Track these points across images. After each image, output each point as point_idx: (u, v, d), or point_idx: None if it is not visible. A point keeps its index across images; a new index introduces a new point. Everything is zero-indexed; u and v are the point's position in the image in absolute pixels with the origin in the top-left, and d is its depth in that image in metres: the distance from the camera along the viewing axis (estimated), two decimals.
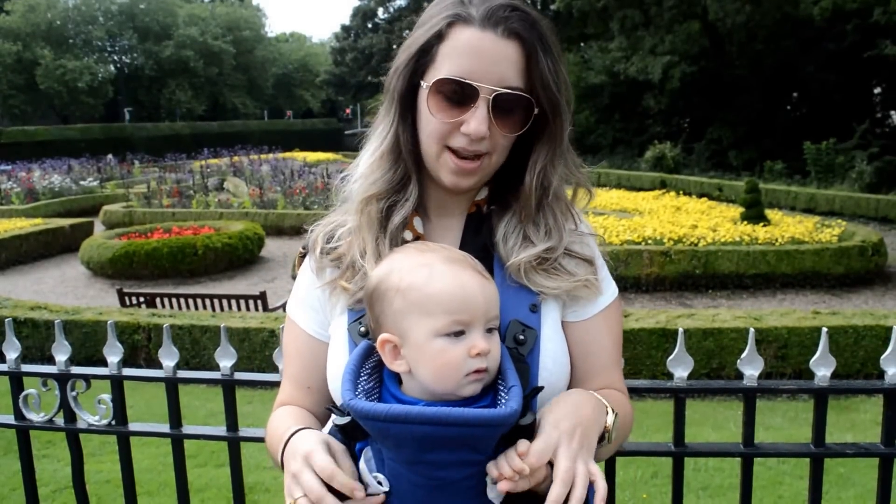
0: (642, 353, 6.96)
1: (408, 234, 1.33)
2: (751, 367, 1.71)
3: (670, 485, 1.81)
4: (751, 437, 1.73)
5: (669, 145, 29.78)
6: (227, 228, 15.43)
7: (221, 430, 1.97)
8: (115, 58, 67.64)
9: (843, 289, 11.78)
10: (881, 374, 1.71)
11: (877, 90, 29.72)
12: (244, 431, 1.96)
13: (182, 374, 1.97)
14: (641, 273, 11.74)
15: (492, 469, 1.09)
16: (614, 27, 31.59)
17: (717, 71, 30.43)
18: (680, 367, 1.73)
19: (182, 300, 8.80)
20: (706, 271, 11.76)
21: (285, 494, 1.15)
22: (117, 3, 63.94)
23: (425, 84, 1.25)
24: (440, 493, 1.12)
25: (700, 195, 21.11)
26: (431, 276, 1.17)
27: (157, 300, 8.97)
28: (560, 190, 1.35)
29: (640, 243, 12.27)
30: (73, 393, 2.01)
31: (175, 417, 1.98)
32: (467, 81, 1.21)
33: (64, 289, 13.53)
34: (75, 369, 2.01)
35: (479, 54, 1.21)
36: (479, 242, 1.35)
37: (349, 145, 57.31)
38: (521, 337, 1.27)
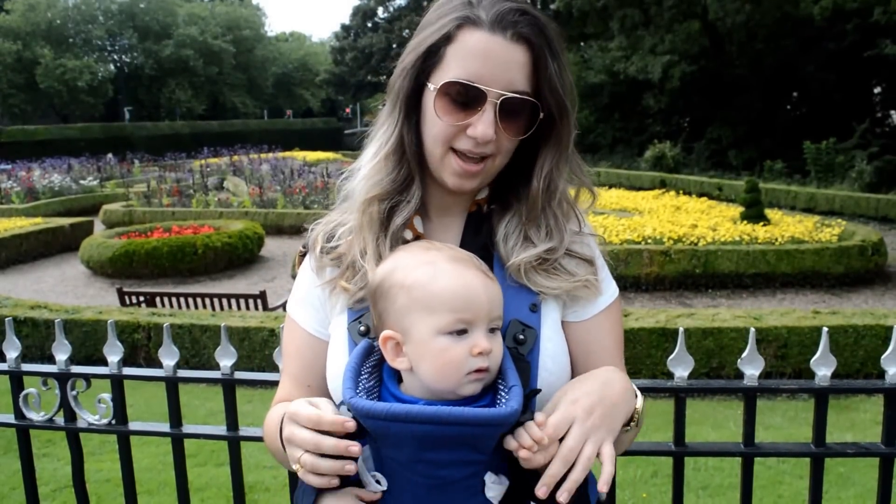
0: (642, 353, 6.96)
1: (408, 234, 1.33)
2: (751, 367, 1.72)
3: (670, 484, 1.81)
4: (751, 436, 1.73)
5: (669, 145, 29.78)
6: (227, 228, 15.42)
7: (221, 430, 1.97)
8: (115, 57, 67.69)
9: (843, 288, 11.78)
10: (881, 374, 1.71)
11: (877, 90, 29.71)
12: (244, 431, 1.96)
13: (182, 373, 1.97)
14: (641, 272, 11.74)
15: (510, 441, 1.09)
16: (614, 26, 31.58)
17: (717, 70, 30.42)
18: (680, 367, 1.73)
19: (182, 299, 8.79)
20: (706, 271, 11.76)
21: (291, 463, 1.15)
22: (117, 3, 63.95)
23: (432, 86, 1.24)
24: (439, 493, 1.12)
25: (700, 195, 21.10)
26: (436, 274, 1.17)
27: (157, 299, 8.97)
28: (562, 191, 1.36)
29: (639, 243, 12.27)
30: (74, 392, 2.01)
31: (175, 417, 1.98)
32: (475, 85, 1.21)
33: (64, 288, 13.53)
34: (75, 368, 2.01)
35: (487, 58, 1.20)
36: (479, 242, 1.35)
37: (349, 145, 57.33)
38: (521, 336, 1.27)
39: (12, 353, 2.04)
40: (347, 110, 75.83)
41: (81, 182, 27.02)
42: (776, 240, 12.34)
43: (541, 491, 1.07)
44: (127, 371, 1.99)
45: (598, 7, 30.91)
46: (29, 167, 32.23)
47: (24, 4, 56.39)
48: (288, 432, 1.14)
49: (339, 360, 1.30)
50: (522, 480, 1.18)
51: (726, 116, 30.13)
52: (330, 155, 42.79)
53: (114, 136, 52.21)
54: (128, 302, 8.98)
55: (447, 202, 1.38)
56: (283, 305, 6.42)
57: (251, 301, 8.61)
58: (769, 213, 14.71)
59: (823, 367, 1.70)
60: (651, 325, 7.05)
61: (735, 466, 4.29)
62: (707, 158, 30.32)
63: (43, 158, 38.27)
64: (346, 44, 65.83)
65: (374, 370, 1.23)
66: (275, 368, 1.82)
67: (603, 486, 1.09)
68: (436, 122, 1.25)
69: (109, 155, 40.42)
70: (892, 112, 29.31)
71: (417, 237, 1.34)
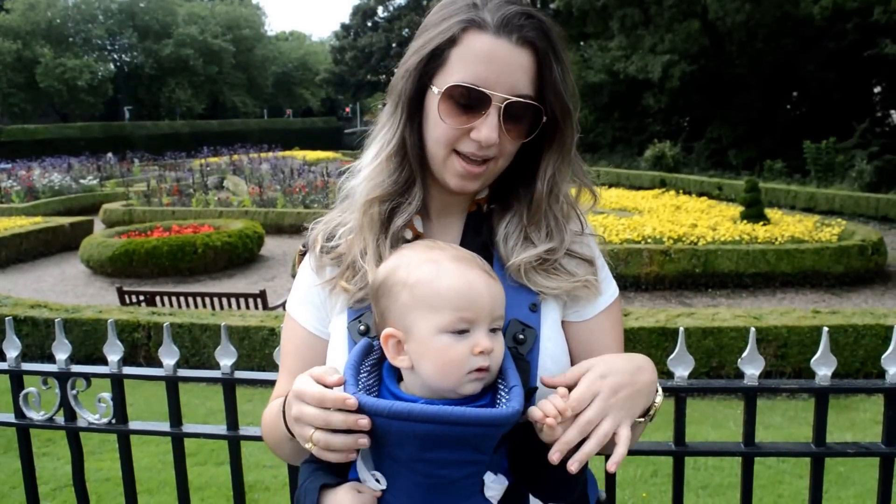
0: (642, 352, 6.94)
1: (408, 233, 1.33)
2: (751, 367, 1.72)
3: (670, 483, 1.81)
4: (751, 436, 1.74)
5: (669, 144, 29.80)
6: (227, 227, 15.42)
7: (222, 429, 1.97)
8: (115, 56, 67.67)
9: (843, 288, 11.78)
10: (881, 374, 1.71)
11: (877, 89, 29.70)
12: (244, 430, 1.96)
13: (182, 372, 1.97)
14: (641, 272, 11.74)
15: (535, 411, 1.09)
16: (614, 26, 31.58)
17: (717, 70, 30.41)
18: (681, 367, 1.73)
19: (182, 298, 8.79)
20: (706, 270, 11.76)
21: (303, 442, 1.15)
22: (117, 2, 63.95)
23: (437, 89, 1.24)
24: (439, 492, 1.12)
25: (700, 194, 21.11)
26: (439, 273, 1.17)
27: (157, 298, 8.97)
28: (564, 193, 1.36)
29: (639, 242, 12.27)
30: (74, 391, 2.01)
31: (175, 416, 1.98)
32: (480, 89, 1.21)
33: (64, 287, 13.53)
34: (75, 368, 2.01)
35: (492, 62, 1.20)
36: (478, 242, 1.35)
37: (349, 144, 57.28)
38: (521, 336, 1.27)
39: (12, 352, 2.04)
40: (347, 110, 75.81)
41: (81, 181, 27.01)
42: (776, 239, 12.34)
43: (554, 456, 1.06)
44: (127, 370, 2.00)
45: (598, 6, 30.90)
46: (29, 166, 32.25)
47: (24, 4, 56.38)
48: (296, 411, 1.14)
49: (339, 359, 1.30)
50: (522, 480, 1.18)
51: (726, 116, 30.13)
52: (330, 154, 42.77)
53: (114, 136, 52.21)
54: (128, 301, 8.98)
55: (447, 202, 1.38)
56: (283, 305, 6.42)
57: (251, 300, 8.62)
58: (769, 212, 14.71)
59: (824, 367, 1.70)
60: (651, 324, 7.05)
61: (735, 466, 4.29)
62: (707, 158, 30.32)
63: (43, 158, 38.28)
64: (345, 43, 65.80)
65: (374, 369, 1.23)
66: (275, 368, 1.82)
67: (612, 466, 1.10)
68: (439, 124, 1.25)
69: (109, 154, 40.46)
70: (892, 111, 29.30)
71: (417, 237, 1.34)
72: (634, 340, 6.92)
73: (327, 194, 19.53)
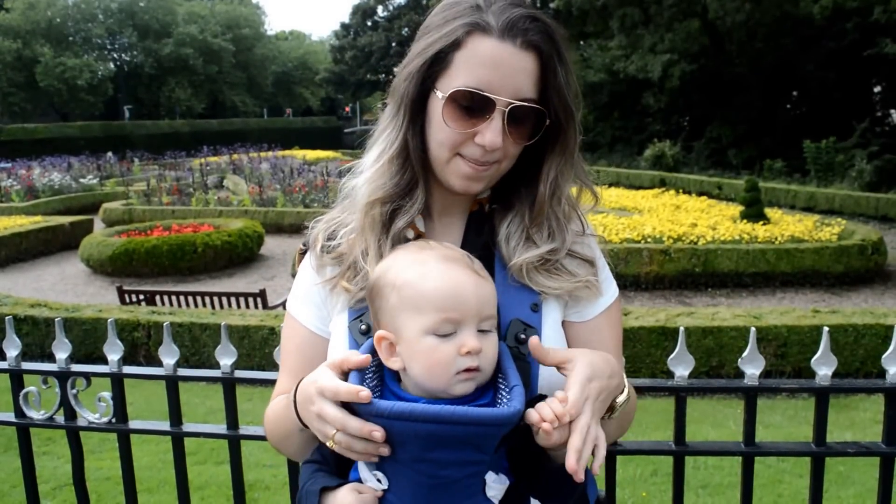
0: (642, 352, 6.97)
1: (409, 233, 1.34)
2: (752, 367, 1.72)
3: (670, 483, 1.81)
4: (752, 436, 1.74)
5: (669, 143, 29.81)
6: (227, 226, 15.42)
7: (222, 429, 1.97)
8: (115, 55, 67.68)
9: (843, 287, 11.78)
10: (881, 373, 1.71)
11: (877, 89, 29.69)
12: (244, 429, 1.96)
13: (182, 372, 1.98)
14: (641, 271, 11.75)
15: (532, 414, 1.09)
16: (614, 25, 31.58)
17: (717, 69, 30.41)
18: (681, 366, 1.73)
19: (182, 298, 8.79)
20: (706, 270, 11.76)
21: (322, 439, 1.16)
22: (117, 1, 63.95)
23: (440, 93, 1.23)
24: (440, 492, 1.12)
25: (699, 193, 21.12)
26: (424, 274, 1.17)
27: (157, 298, 8.97)
28: (566, 194, 1.36)
29: (639, 241, 12.27)
30: (74, 391, 2.01)
31: (175, 415, 1.98)
32: (484, 94, 1.20)
33: (64, 286, 13.53)
34: (75, 367, 2.01)
35: (497, 66, 1.20)
36: (480, 241, 1.36)
37: (348, 143, 57.32)
38: (523, 336, 1.27)
39: (12, 351, 2.04)
40: (347, 109, 75.78)
41: (81, 180, 27.00)
42: (776, 239, 12.34)
43: (572, 461, 1.06)
44: (127, 369, 2.00)
45: (598, 6, 30.90)
46: (29, 165, 32.23)
47: (24, 3, 56.39)
48: (317, 408, 1.14)
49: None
50: (524, 478, 1.18)
51: (726, 115, 30.13)
52: (329, 154, 42.76)
53: (113, 135, 52.20)
54: (128, 300, 8.98)
55: (449, 202, 1.38)
56: (283, 304, 6.43)
57: (251, 299, 8.62)
58: (769, 212, 14.71)
59: (824, 367, 1.70)
60: (651, 323, 7.06)
61: (734, 465, 4.29)
62: (707, 157, 30.32)
63: (43, 157, 38.22)
64: (345, 42, 65.78)
65: (377, 369, 1.23)
66: (275, 367, 1.82)
67: (599, 468, 1.11)
68: (443, 128, 1.24)
69: (109, 153, 40.49)
70: (892, 111, 29.29)
71: (419, 236, 1.34)
72: (634, 340, 6.92)
73: (327, 193, 19.53)
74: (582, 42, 36.32)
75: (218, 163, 34.38)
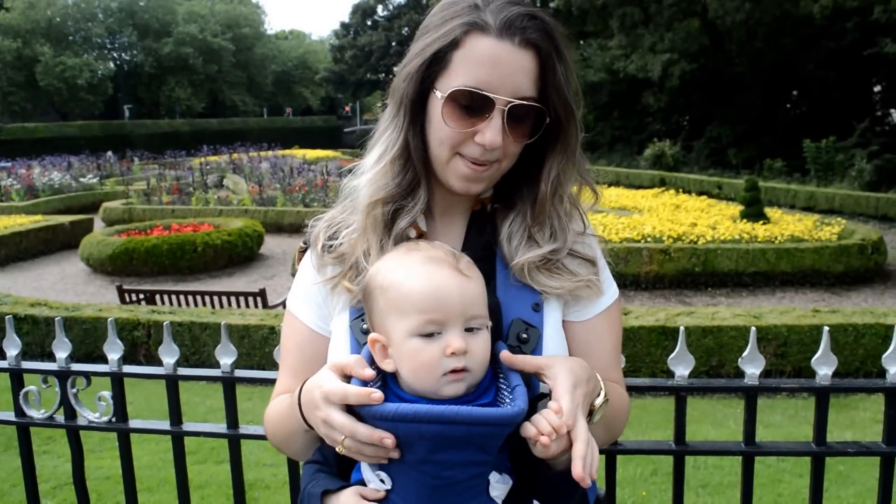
0: (642, 351, 6.97)
1: (411, 232, 1.33)
2: (752, 366, 1.72)
3: (670, 482, 1.81)
4: (752, 435, 1.74)
5: (669, 143, 29.82)
6: (227, 225, 15.42)
7: (222, 428, 1.97)
8: (115, 55, 67.68)
9: (843, 287, 11.78)
10: (881, 373, 1.71)
11: (877, 88, 29.69)
12: (244, 429, 1.96)
13: (182, 371, 1.97)
14: (641, 271, 11.74)
15: (528, 428, 1.09)
16: (614, 25, 31.58)
17: (717, 69, 30.41)
18: (681, 366, 1.73)
19: (182, 297, 8.79)
20: (705, 269, 11.76)
21: (331, 444, 1.16)
22: (117, 1, 63.92)
23: (440, 93, 1.23)
24: (444, 493, 1.12)
25: (699, 193, 21.13)
26: (407, 276, 1.17)
27: (157, 297, 8.97)
28: (568, 193, 1.36)
29: (639, 241, 12.27)
30: (74, 390, 2.01)
31: (175, 414, 1.98)
32: (483, 93, 1.20)
33: (64, 285, 13.53)
34: (76, 366, 2.01)
35: (495, 65, 1.20)
36: (482, 241, 1.35)
37: (348, 143, 57.34)
38: (525, 335, 1.27)
39: (12, 350, 2.04)
40: (347, 108, 75.79)
41: (81, 180, 27.02)
42: (776, 238, 12.34)
43: (579, 468, 1.06)
44: (127, 369, 2.00)
45: (598, 5, 30.91)
46: (29, 165, 32.25)
47: (24, 2, 56.39)
48: (324, 414, 1.14)
49: (341, 358, 1.30)
50: (526, 478, 1.18)
51: (726, 115, 30.14)
52: (329, 153, 42.77)
53: (113, 134, 52.20)
54: (128, 299, 8.98)
55: (451, 201, 1.38)
56: (283, 303, 6.42)
57: (251, 299, 8.62)
58: (769, 211, 14.71)
59: (824, 367, 1.70)
60: (651, 323, 7.06)
61: (734, 464, 4.29)
62: (707, 157, 30.32)
63: (43, 156, 38.24)
64: (345, 42, 65.78)
65: (379, 371, 1.22)
66: (274, 366, 1.82)
67: (595, 473, 1.11)
68: (442, 127, 1.24)
69: (109, 153, 40.49)
70: (892, 111, 29.30)
71: (421, 236, 1.34)
72: (634, 339, 6.92)
73: (327, 193, 19.53)
74: (582, 42, 36.32)
75: (218, 162, 34.38)
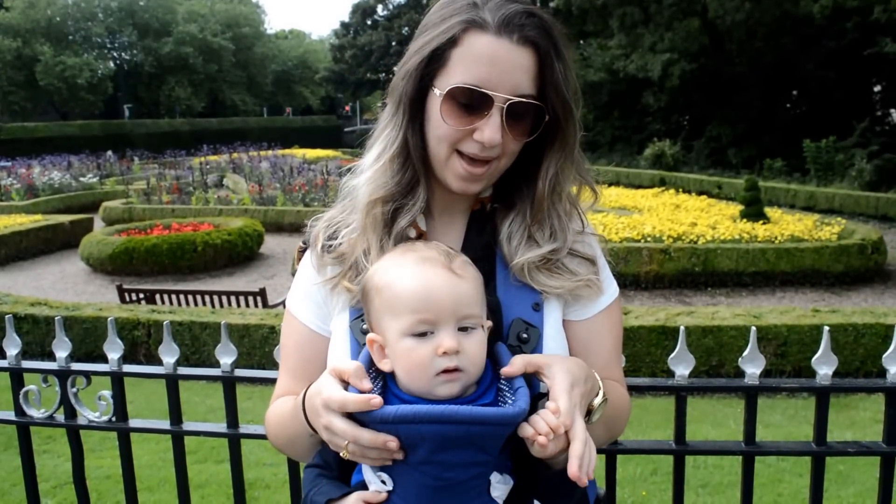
0: (642, 351, 6.97)
1: (411, 232, 1.33)
2: (752, 366, 1.72)
3: (670, 482, 1.81)
4: (752, 435, 1.74)
5: (669, 143, 29.81)
6: (227, 225, 15.42)
7: (222, 427, 1.97)
8: (115, 54, 67.66)
9: (843, 287, 11.78)
10: (881, 372, 1.71)
11: (877, 88, 29.69)
12: (244, 428, 1.96)
13: (182, 370, 1.97)
14: (641, 271, 11.74)
15: (526, 428, 1.09)
16: (614, 25, 31.58)
17: (717, 68, 30.40)
18: (681, 366, 1.73)
19: (182, 296, 8.79)
20: (705, 269, 11.76)
21: (334, 449, 1.16)
22: (117, 0, 63.90)
23: (438, 90, 1.23)
24: (445, 493, 1.12)
25: (699, 193, 21.13)
26: (399, 276, 1.17)
27: (157, 296, 8.97)
28: (567, 192, 1.36)
29: (639, 241, 12.27)
30: (74, 389, 2.01)
31: (175, 414, 1.98)
32: (482, 90, 1.20)
33: (64, 285, 13.53)
34: (76, 366, 2.01)
35: (494, 62, 1.20)
36: (482, 240, 1.35)
37: (348, 142, 57.32)
38: (525, 335, 1.27)
39: (12, 349, 2.04)
40: (347, 108, 75.76)
41: (81, 179, 27.03)
42: (776, 238, 12.34)
43: (574, 468, 1.06)
44: (127, 368, 2.00)
45: (598, 5, 30.91)
46: (29, 164, 32.25)
47: (24, 2, 56.37)
48: (326, 421, 1.14)
49: (341, 358, 1.30)
50: (527, 479, 1.18)
51: (726, 114, 30.13)
52: (329, 153, 42.76)
53: (113, 134, 52.21)
54: (128, 299, 8.98)
55: (451, 200, 1.37)
56: (283, 303, 6.42)
57: (251, 298, 8.61)
58: (769, 211, 14.71)
59: (825, 367, 1.70)
60: (651, 323, 7.06)
61: (734, 464, 4.29)
62: (707, 156, 30.32)
63: (43, 156, 38.24)
64: (345, 41, 65.78)
65: (379, 372, 1.22)
66: (274, 365, 1.82)
67: (591, 474, 1.10)
68: (441, 125, 1.24)
69: (109, 152, 40.48)
70: (892, 110, 29.30)
71: (421, 236, 1.34)
72: (634, 339, 6.92)
73: (327, 192, 19.53)
74: (582, 41, 36.32)
75: (218, 161, 34.36)
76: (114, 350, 1.97)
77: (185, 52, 63.22)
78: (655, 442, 1.85)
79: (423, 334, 1.14)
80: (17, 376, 2.06)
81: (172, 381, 1.96)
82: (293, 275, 1.50)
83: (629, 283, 11.64)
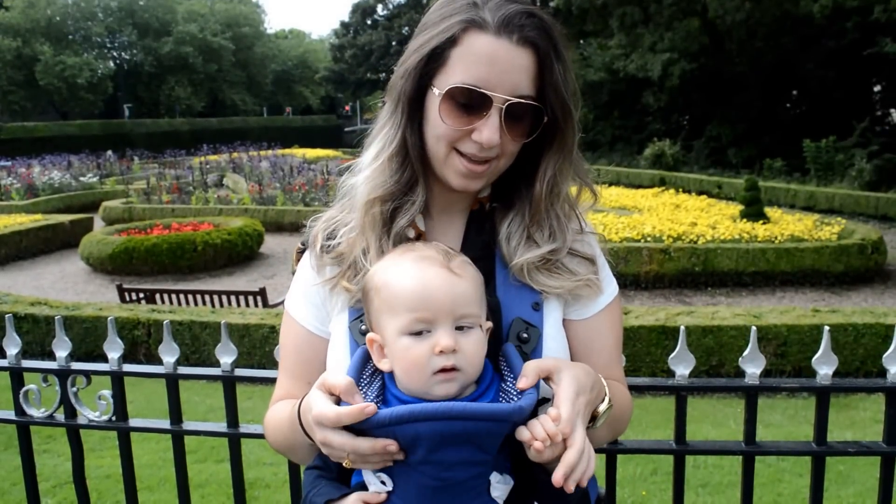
0: (642, 351, 6.97)
1: (410, 232, 1.33)
2: (752, 366, 1.72)
3: (670, 482, 1.81)
4: (752, 435, 1.74)
5: (669, 143, 29.81)
6: (227, 225, 15.42)
7: (222, 427, 1.97)
8: (115, 54, 67.69)
9: (843, 287, 11.78)
10: (881, 372, 1.71)
11: (877, 88, 29.68)
12: (244, 428, 1.96)
13: (182, 370, 1.97)
14: (641, 270, 11.74)
15: (523, 431, 1.08)
16: (614, 24, 31.55)
17: (717, 68, 30.39)
18: (681, 366, 1.73)
19: (182, 296, 8.79)
20: (705, 269, 11.76)
21: (335, 460, 1.17)
22: (116, 0, 63.91)
23: (437, 90, 1.23)
24: (445, 493, 1.12)
25: (699, 193, 21.12)
26: (397, 275, 1.18)
27: (157, 296, 8.97)
28: (565, 193, 1.35)
29: (639, 241, 12.27)
30: (74, 389, 2.01)
31: (175, 414, 1.98)
32: (481, 90, 1.20)
33: (64, 284, 13.53)
34: (76, 365, 2.01)
35: (493, 62, 1.19)
36: (481, 240, 1.35)
37: (348, 142, 57.24)
38: (525, 335, 1.27)
39: (12, 349, 2.04)
40: (347, 108, 75.78)
41: (81, 179, 27.03)
42: (776, 238, 12.33)
43: (559, 475, 1.05)
44: (127, 368, 2.00)
45: (598, 5, 30.88)
46: (29, 164, 32.26)
47: (23, 1, 56.39)
48: (322, 437, 1.13)
49: (340, 359, 1.30)
50: (527, 479, 1.18)
51: (726, 114, 30.12)
52: (329, 152, 42.76)
53: (113, 133, 52.24)
54: (128, 299, 8.98)
55: (450, 200, 1.37)
56: (283, 302, 6.42)
57: (251, 298, 8.61)
58: (769, 211, 14.71)
59: (825, 366, 1.70)
60: (651, 322, 7.05)
61: (734, 464, 4.29)
62: (707, 156, 30.31)
63: (43, 155, 38.24)
64: (345, 41, 65.77)
65: (377, 372, 1.22)
66: (275, 365, 1.82)
67: (585, 482, 1.10)
68: (440, 125, 1.24)
69: (109, 152, 40.49)
70: (892, 110, 29.29)
71: (420, 235, 1.34)
72: (634, 339, 6.92)
73: (327, 192, 19.53)
74: (582, 41, 36.32)
75: (218, 161, 34.38)
76: (114, 349, 1.97)
77: (184, 52, 63.24)
78: (656, 442, 1.85)
79: (420, 333, 1.14)
80: (17, 376, 2.06)
81: (172, 381, 1.96)
82: (293, 274, 1.50)
83: (629, 282, 11.64)
